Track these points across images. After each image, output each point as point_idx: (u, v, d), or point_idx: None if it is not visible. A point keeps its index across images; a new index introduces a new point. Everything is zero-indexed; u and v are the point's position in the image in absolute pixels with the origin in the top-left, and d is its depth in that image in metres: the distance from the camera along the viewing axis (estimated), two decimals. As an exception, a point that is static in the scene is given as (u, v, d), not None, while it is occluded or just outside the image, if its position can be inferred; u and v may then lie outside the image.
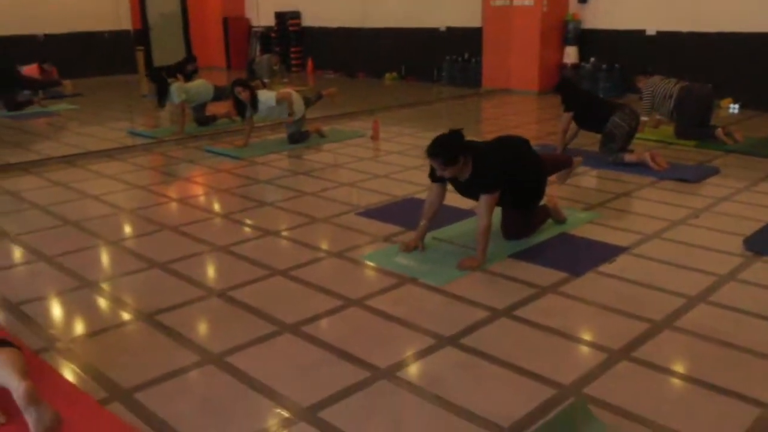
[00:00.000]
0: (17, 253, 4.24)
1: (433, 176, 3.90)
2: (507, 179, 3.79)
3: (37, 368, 2.70)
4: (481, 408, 2.47)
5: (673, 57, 9.40)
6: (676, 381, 2.67)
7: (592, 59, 10.48)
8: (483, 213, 3.74)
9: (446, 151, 3.67)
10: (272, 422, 2.44)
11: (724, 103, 8.89)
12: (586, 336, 3.02)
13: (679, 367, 2.75)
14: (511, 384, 2.65)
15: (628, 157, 5.93)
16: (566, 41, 10.76)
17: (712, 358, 2.82)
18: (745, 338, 2.95)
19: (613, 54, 10.23)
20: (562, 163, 4.69)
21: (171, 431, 2.40)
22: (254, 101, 6.95)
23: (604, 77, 10.24)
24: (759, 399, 2.50)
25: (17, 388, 2.23)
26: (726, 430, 2.35)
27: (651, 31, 9.86)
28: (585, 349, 2.92)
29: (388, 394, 2.60)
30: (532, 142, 4.26)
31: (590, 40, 10.55)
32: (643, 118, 7.27)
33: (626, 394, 2.56)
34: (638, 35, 10.00)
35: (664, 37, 9.72)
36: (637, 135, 6.92)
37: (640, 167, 5.83)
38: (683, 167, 5.90)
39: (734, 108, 8.87)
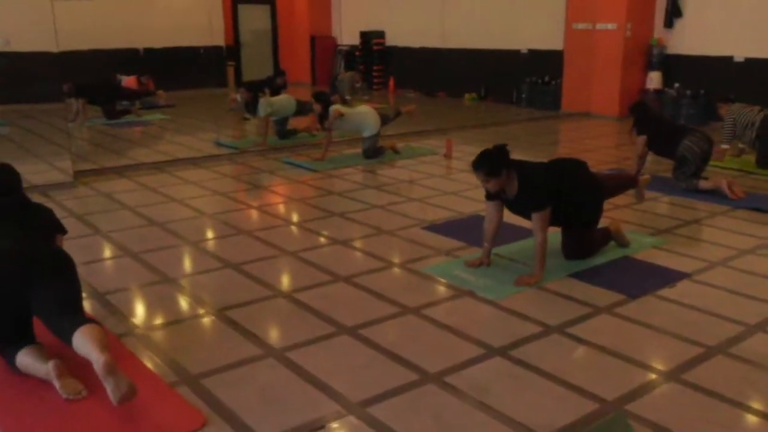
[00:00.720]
0: (107, 249, 4.60)
1: (488, 195, 4.03)
2: (556, 198, 3.87)
3: (117, 351, 2.96)
4: (522, 415, 2.56)
5: (761, 84, 9.13)
6: (722, 405, 2.67)
7: (677, 85, 10.30)
8: (537, 230, 3.84)
9: (489, 163, 3.82)
10: (324, 413, 2.60)
11: (813, 133, 8.55)
12: (636, 356, 3.04)
13: (727, 392, 2.74)
14: (555, 396, 2.72)
15: (703, 184, 5.84)
16: (650, 66, 10.62)
17: (763, 386, 2.81)
18: (802, 369, 2.92)
19: (699, 80, 10.02)
20: (626, 183, 4.69)
21: (231, 415, 2.60)
22: (325, 114, 7.27)
23: (687, 104, 10.03)
24: (807, 428, 2.49)
25: (97, 359, 2.48)
26: (768, 455, 2.36)
27: (739, 57, 9.62)
28: (633, 368, 2.95)
29: (435, 396, 2.72)
30: (607, 167, 4.31)
31: (675, 66, 10.38)
32: (724, 146, 7.15)
33: (670, 414, 2.60)
34: (726, 61, 9.77)
35: (752, 63, 9.46)
36: (719, 163, 6.83)
37: (715, 195, 5.73)
38: (761, 197, 5.76)
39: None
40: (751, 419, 2.59)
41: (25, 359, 2.77)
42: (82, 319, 2.75)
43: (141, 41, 13.74)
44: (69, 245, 3.39)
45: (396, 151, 7.69)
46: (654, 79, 10.57)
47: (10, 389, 2.76)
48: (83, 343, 2.59)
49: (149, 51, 13.86)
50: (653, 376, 2.88)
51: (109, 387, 2.48)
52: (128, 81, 11.85)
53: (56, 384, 2.67)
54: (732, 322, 3.38)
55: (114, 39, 13.13)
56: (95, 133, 9.69)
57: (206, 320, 3.48)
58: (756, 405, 2.66)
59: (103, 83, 11.08)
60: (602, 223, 4.36)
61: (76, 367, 2.78)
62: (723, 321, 3.40)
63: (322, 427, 2.52)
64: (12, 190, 3.17)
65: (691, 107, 10.01)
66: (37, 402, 2.67)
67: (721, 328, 3.31)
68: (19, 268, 2.82)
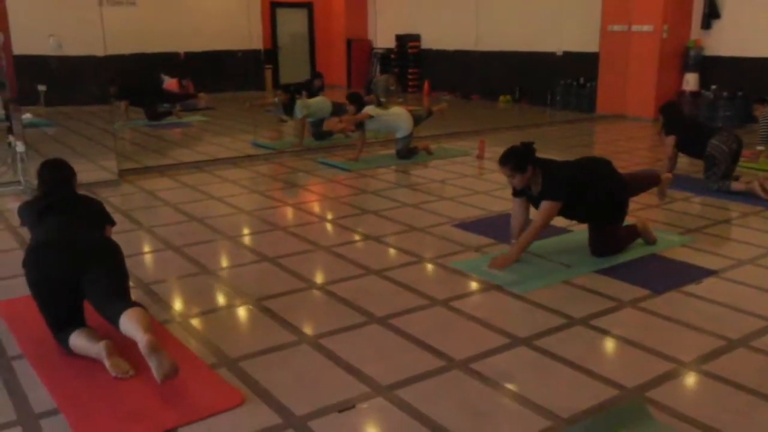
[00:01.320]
0: (150, 242, 4.82)
1: (514, 192, 4.16)
2: (577, 193, 3.98)
3: (160, 335, 3.14)
4: (543, 400, 2.68)
5: (800, 86, 9.05)
6: (741, 394, 2.74)
7: (714, 87, 10.23)
8: (538, 215, 3.97)
9: (515, 159, 3.96)
10: (354, 395, 2.75)
11: None
12: (658, 347, 3.12)
13: (747, 382, 2.81)
14: (576, 383, 2.83)
15: (736, 186, 5.84)
16: (686, 68, 10.56)
17: (782, 377, 2.88)
18: (823, 362, 2.97)
19: (736, 82, 9.95)
20: (649, 182, 4.76)
21: (268, 395, 2.76)
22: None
23: (724, 105, 9.96)
24: (823, 417, 2.55)
25: (141, 339, 2.66)
26: (784, 442, 2.43)
27: (778, 58, 9.55)
28: (654, 358, 3.03)
29: (460, 381, 2.85)
30: (639, 168, 4.38)
31: (712, 67, 10.31)
32: (759, 148, 7.13)
33: (689, 401, 2.69)
34: (764, 63, 9.69)
35: (792, 65, 9.37)
36: (753, 165, 6.82)
37: (748, 196, 5.73)
38: (794, 198, 5.74)
39: None
40: (766, 406, 2.66)
41: (77, 341, 2.98)
42: (128, 302, 2.94)
43: (182, 45, 14.10)
44: (115, 238, 3.58)
45: (429, 152, 7.82)
46: (690, 81, 10.52)
47: (64, 369, 2.96)
48: (129, 324, 2.78)
49: (190, 54, 14.22)
50: (674, 365, 2.96)
51: (153, 365, 2.66)
52: (170, 84, 12.21)
53: (106, 363, 2.86)
54: (756, 317, 3.43)
55: (156, 43, 13.50)
56: (137, 133, 10.02)
57: (244, 309, 3.66)
58: (774, 395, 2.73)
59: (145, 86, 11.44)
60: (629, 221, 4.44)
61: (124, 349, 2.97)
62: (747, 316, 3.45)
63: (352, 407, 2.66)
64: (66, 184, 3.39)
65: (727, 109, 9.94)
66: (89, 380, 2.86)
67: (745, 323, 3.37)
68: (72, 256, 3.03)
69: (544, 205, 3.95)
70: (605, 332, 3.29)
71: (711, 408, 2.63)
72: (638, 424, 2.48)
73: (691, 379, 2.87)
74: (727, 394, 2.74)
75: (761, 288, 3.84)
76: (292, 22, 16.37)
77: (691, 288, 3.82)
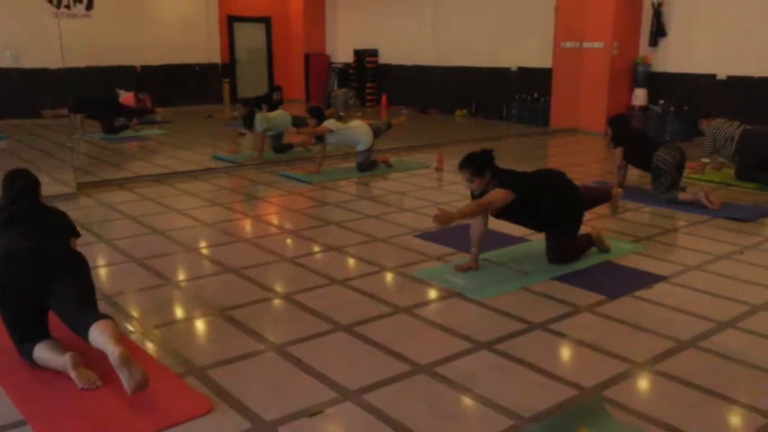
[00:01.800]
0: (112, 255, 4.79)
1: (473, 199, 4.29)
2: (532, 198, 4.15)
3: (126, 346, 3.15)
4: (506, 401, 2.77)
5: (743, 101, 9.44)
6: (691, 391, 2.88)
7: (661, 102, 10.60)
8: (486, 196, 4.08)
9: (474, 163, 4.12)
10: (322, 400, 2.80)
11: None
12: (613, 349, 3.26)
13: (696, 380, 2.96)
14: (537, 384, 2.93)
15: (683, 196, 6.08)
16: (635, 83, 10.92)
17: (728, 374, 3.04)
18: (764, 359, 3.14)
19: (683, 97, 10.33)
20: (601, 196, 4.96)
21: (236, 402, 2.79)
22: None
23: (671, 120, 10.33)
24: (766, 410, 2.71)
25: (113, 351, 2.67)
26: (731, 435, 2.58)
27: (721, 75, 9.95)
28: (610, 359, 3.16)
29: (425, 385, 2.93)
30: (592, 179, 4.55)
31: (660, 83, 10.68)
32: (705, 160, 7.44)
33: (643, 399, 2.83)
34: (708, 79, 10.09)
35: (734, 81, 9.78)
36: (700, 177, 7.11)
37: (695, 206, 5.97)
38: (739, 207, 6.01)
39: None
40: (718, 403, 2.79)
41: (42, 353, 2.96)
42: (97, 314, 2.94)
43: (138, 59, 13.97)
44: (79, 249, 3.58)
45: (389, 165, 7.93)
46: (639, 96, 10.88)
47: (29, 381, 2.94)
48: (99, 336, 2.78)
49: (146, 68, 14.09)
50: (628, 366, 3.09)
51: (123, 377, 2.67)
52: (125, 98, 12.07)
53: (72, 374, 2.86)
54: (704, 320, 3.60)
55: (112, 56, 13.35)
56: (94, 147, 9.89)
57: (209, 319, 3.68)
58: (722, 390, 2.87)
59: (101, 99, 11.30)
60: (584, 230, 4.60)
61: (88, 360, 2.96)
62: (696, 318, 3.62)
63: (320, 411, 2.72)
64: (32, 195, 3.37)
65: (675, 123, 10.31)
66: (56, 392, 2.85)
67: (694, 325, 3.54)
68: (38, 267, 3.02)
69: (496, 191, 4.07)
70: (563, 336, 3.42)
71: (664, 405, 2.76)
72: (596, 421, 2.60)
73: (644, 379, 3.00)
74: (679, 392, 2.88)
75: (709, 292, 4.02)
76: (251, 36, 16.37)
77: (643, 293, 3.99)
